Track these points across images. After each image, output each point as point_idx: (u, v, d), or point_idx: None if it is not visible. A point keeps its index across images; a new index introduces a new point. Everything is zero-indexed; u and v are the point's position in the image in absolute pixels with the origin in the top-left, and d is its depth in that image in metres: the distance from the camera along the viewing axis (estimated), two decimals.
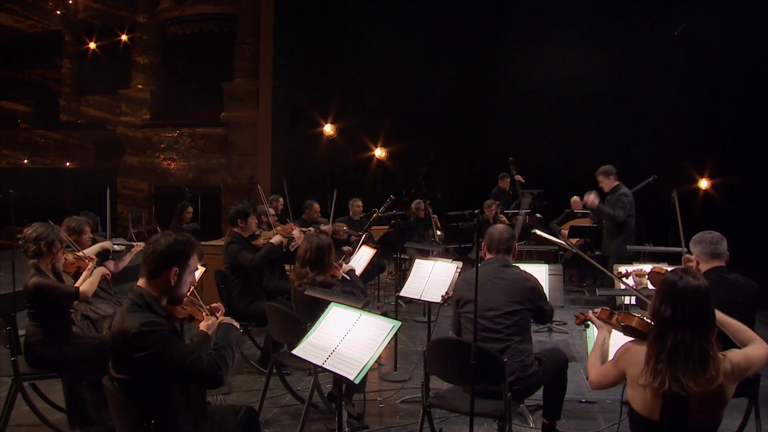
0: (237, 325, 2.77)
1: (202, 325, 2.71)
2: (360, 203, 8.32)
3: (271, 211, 6.74)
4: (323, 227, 6.72)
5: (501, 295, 3.32)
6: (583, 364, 4.78)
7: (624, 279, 4.26)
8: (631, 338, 2.46)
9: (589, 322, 2.89)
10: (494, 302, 3.30)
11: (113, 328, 2.43)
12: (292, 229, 5.63)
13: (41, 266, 3.65)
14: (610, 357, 2.53)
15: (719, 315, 2.53)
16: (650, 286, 3.88)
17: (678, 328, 2.20)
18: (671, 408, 2.18)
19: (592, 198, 6.45)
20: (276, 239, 5.21)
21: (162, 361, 2.31)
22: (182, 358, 2.34)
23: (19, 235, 3.71)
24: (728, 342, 2.43)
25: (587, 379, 2.70)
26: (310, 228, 6.46)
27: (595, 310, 2.79)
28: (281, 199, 8.09)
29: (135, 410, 2.35)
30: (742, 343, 2.39)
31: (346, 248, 6.97)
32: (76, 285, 3.84)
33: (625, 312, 2.58)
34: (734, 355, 2.22)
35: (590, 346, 2.99)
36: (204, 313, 2.75)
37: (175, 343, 2.35)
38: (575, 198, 8.72)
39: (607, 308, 2.75)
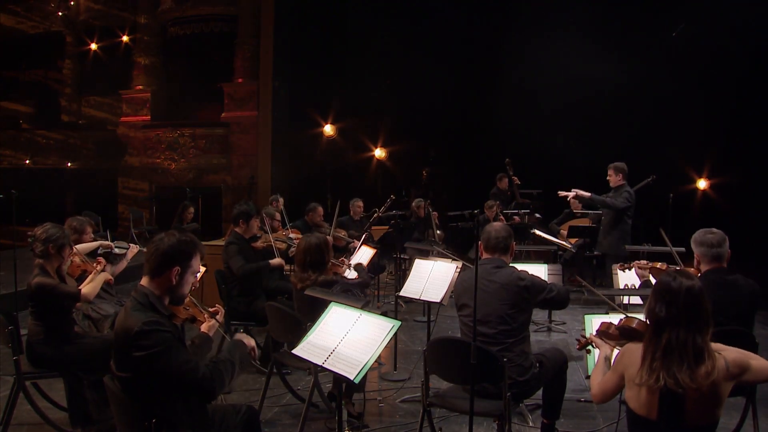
0: (250, 343, 2.75)
1: (204, 327, 2.73)
2: (361, 203, 8.36)
3: (277, 215, 6.74)
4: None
5: (492, 300, 3.29)
6: (582, 363, 4.80)
7: (627, 271, 4.28)
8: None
9: (591, 347, 2.82)
10: (486, 308, 3.28)
11: (116, 326, 2.43)
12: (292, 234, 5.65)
13: (46, 267, 3.66)
14: None
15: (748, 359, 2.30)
16: (652, 280, 3.89)
17: (672, 326, 2.22)
18: (668, 406, 2.20)
19: (580, 191, 6.52)
20: (276, 261, 5.25)
21: (159, 363, 2.30)
22: (179, 365, 2.32)
23: (29, 233, 3.72)
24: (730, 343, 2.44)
25: (588, 382, 2.69)
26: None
27: (595, 329, 2.76)
28: (281, 199, 8.12)
29: (136, 409, 2.36)
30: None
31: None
32: (80, 287, 3.86)
33: (626, 317, 2.59)
34: (729, 353, 2.24)
35: (590, 365, 2.99)
36: (206, 315, 2.77)
37: (174, 348, 2.33)
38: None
39: (605, 321, 2.74)
